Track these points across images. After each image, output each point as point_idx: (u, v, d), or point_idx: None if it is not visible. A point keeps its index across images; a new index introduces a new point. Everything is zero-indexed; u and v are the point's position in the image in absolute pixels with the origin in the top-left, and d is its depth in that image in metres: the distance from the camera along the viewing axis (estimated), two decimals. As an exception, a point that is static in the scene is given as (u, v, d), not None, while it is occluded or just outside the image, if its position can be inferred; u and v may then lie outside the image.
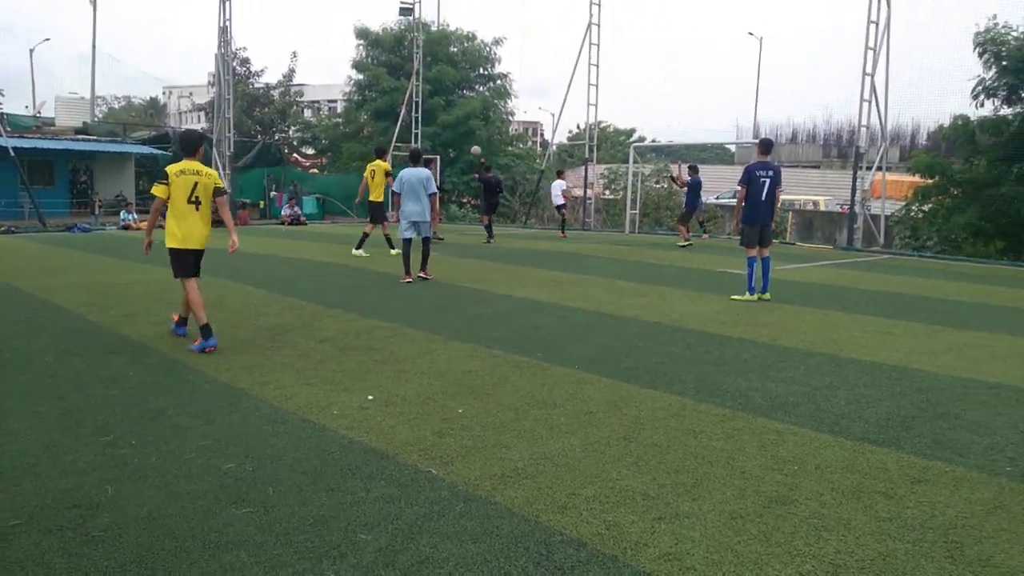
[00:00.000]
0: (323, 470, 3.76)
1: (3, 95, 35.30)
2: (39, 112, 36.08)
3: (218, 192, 6.41)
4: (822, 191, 38.35)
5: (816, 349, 6.59)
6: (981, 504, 3.43)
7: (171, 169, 6.25)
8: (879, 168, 18.91)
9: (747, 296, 9.26)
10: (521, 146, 38.95)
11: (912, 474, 3.78)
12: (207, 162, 19.75)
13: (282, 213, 25.46)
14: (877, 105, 18.16)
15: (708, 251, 16.09)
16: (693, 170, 17.66)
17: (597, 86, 24.57)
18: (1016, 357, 6.44)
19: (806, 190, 38.64)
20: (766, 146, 9.64)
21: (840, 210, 27.93)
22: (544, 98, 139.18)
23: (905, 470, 3.83)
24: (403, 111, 27.04)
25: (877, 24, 17.71)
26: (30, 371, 5.61)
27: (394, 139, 25.97)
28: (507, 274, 11.64)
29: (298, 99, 39.08)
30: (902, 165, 28.79)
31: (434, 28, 31.96)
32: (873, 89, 17.98)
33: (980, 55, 16.79)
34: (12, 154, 21.28)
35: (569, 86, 24.97)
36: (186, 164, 6.29)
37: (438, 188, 11.84)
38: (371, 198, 13.96)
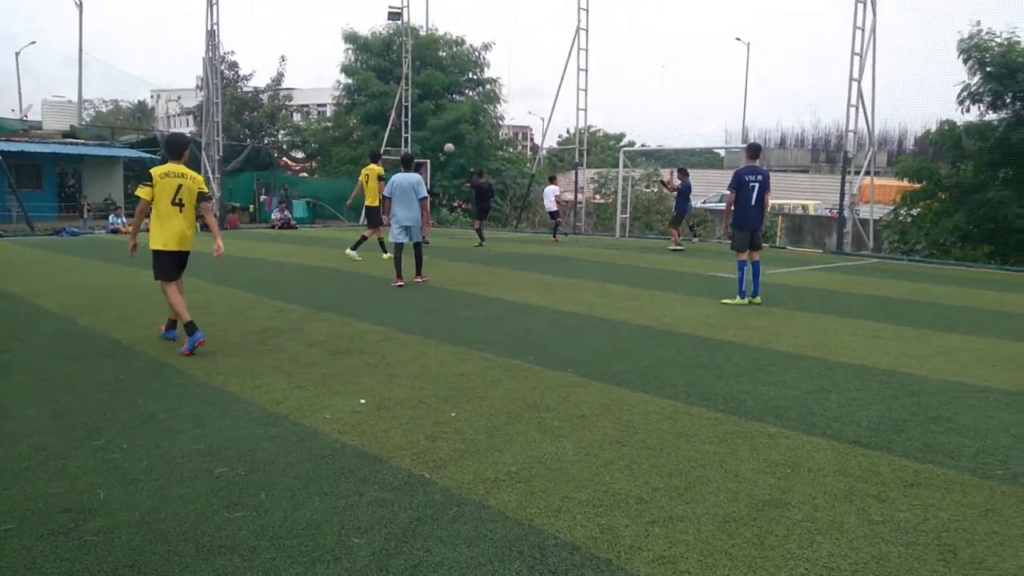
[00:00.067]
0: (316, 474, 3.75)
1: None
2: (26, 115, 35.92)
3: (202, 197, 6.43)
4: (811, 195, 38.65)
5: (807, 353, 6.62)
6: (973, 507, 3.45)
7: (155, 171, 6.26)
8: (867, 172, 19.02)
9: (738, 300, 9.29)
10: (511, 150, 38.96)
11: (904, 477, 3.80)
12: (195, 166, 19.70)
13: (272, 217, 25.37)
14: (864, 110, 18.28)
15: (699, 255, 16.14)
16: (683, 173, 17.69)
17: (586, 91, 24.66)
18: (1005, 361, 6.48)
19: (795, 194, 38.93)
20: (754, 150, 9.64)
21: (829, 214, 28.09)
22: (537, 98, 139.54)
23: (897, 473, 3.85)
24: (392, 115, 27.03)
25: (863, 30, 17.82)
26: (23, 374, 5.58)
27: (384, 143, 25.97)
28: (498, 278, 11.65)
29: (287, 103, 38.95)
30: (890, 170, 28.93)
31: (423, 33, 31.96)
32: (860, 94, 18.10)
33: (965, 61, 16.92)
34: (-1, 158, 21.19)
35: (558, 91, 25.13)
36: (171, 167, 6.30)
37: (428, 192, 11.85)
38: (367, 203, 13.97)
